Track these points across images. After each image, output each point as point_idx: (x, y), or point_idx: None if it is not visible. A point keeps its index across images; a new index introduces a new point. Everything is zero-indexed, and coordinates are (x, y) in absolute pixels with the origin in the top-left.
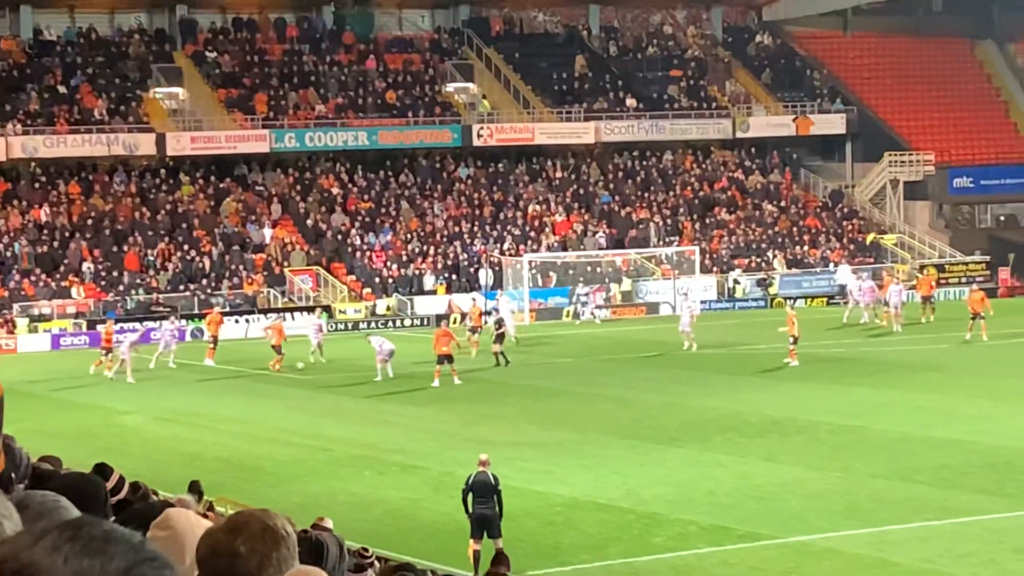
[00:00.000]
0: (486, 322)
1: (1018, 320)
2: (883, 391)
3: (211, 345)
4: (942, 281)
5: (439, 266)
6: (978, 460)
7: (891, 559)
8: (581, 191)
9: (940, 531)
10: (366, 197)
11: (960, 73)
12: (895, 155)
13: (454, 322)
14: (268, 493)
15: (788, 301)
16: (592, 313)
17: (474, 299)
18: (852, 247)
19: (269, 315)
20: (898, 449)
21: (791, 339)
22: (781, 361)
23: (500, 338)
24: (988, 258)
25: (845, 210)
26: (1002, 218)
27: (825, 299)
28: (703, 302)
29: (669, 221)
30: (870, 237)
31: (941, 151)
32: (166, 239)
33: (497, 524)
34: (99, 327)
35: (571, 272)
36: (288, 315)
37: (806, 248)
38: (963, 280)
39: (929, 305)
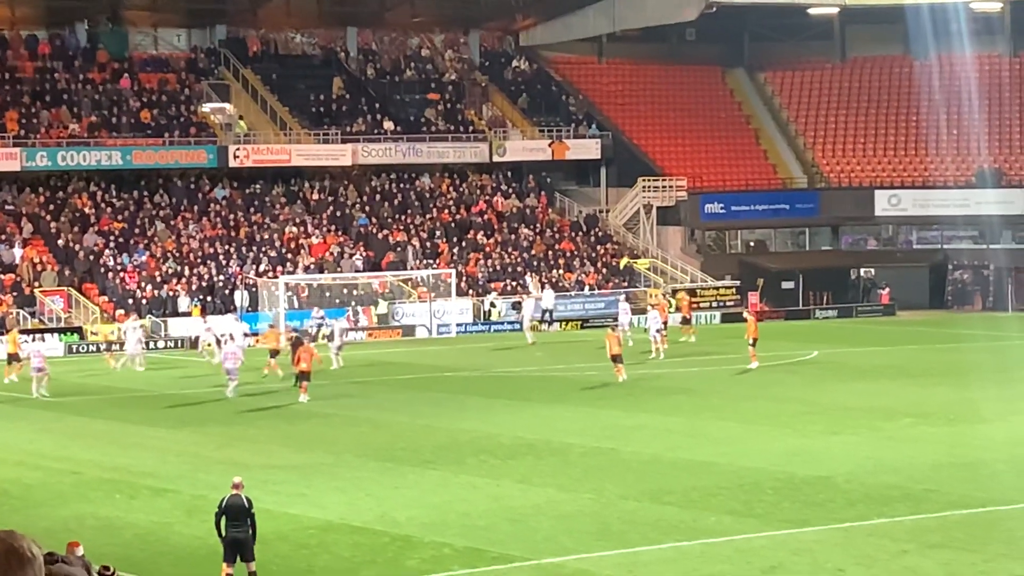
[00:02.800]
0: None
1: (766, 343)
2: (633, 414)
3: (8, 363)
4: (693, 305)
5: (194, 287)
6: (726, 481)
7: None
8: (338, 213)
9: (690, 552)
10: (120, 217)
11: (712, 101)
12: (648, 180)
13: (208, 345)
14: (14, 518)
15: (613, 323)
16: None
17: (272, 324)
18: (606, 271)
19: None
20: (648, 471)
21: (613, 359)
22: (613, 381)
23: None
24: (738, 283)
25: (599, 234)
26: (752, 243)
27: (580, 322)
28: (459, 324)
29: (427, 244)
30: (623, 261)
31: (693, 177)
32: None
33: (251, 547)
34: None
35: (327, 294)
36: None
37: (561, 272)
38: (714, 304)
39: (690, 326)
